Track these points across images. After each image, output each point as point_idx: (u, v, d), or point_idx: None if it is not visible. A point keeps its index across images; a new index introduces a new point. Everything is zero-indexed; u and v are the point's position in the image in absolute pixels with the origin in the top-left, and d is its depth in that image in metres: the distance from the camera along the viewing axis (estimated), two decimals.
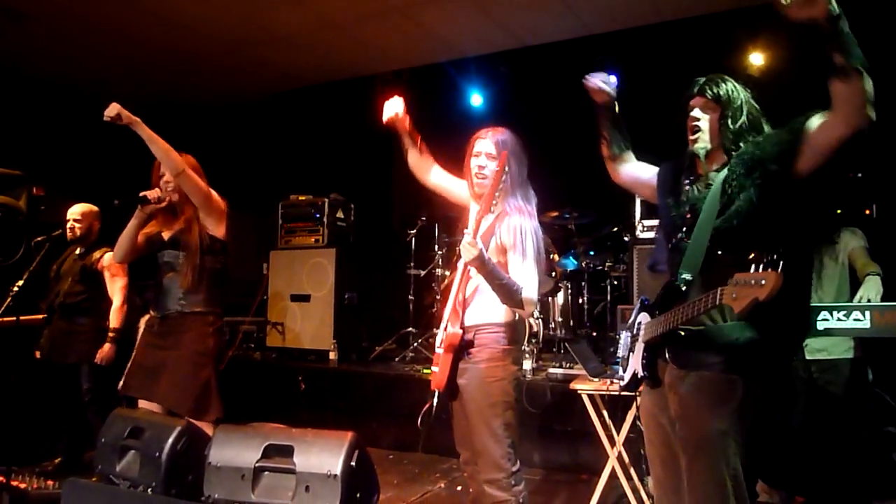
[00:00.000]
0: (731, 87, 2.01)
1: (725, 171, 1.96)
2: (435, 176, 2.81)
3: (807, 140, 1.81)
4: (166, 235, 3.13)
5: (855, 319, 2.49)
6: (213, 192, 3.11)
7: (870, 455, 3.22)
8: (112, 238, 4.31)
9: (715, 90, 2.01)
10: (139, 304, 5.00)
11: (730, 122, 1.98)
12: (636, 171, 2.33)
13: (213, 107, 7.64)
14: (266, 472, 2.30)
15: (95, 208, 4.29)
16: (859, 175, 4.04)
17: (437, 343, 2.50)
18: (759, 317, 1.81)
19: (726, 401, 1.84)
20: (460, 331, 2.39)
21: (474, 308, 2.45)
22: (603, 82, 2.22)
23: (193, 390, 2.98)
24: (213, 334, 3.10)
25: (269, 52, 6.30)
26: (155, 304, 3.14)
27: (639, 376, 2.11)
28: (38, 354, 4.25)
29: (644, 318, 2.16)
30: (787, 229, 1.89)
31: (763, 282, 1.57)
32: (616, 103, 2.28)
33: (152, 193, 3.03)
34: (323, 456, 2.24)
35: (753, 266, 1.64)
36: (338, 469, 2.20)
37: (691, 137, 2.06)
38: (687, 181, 2.09)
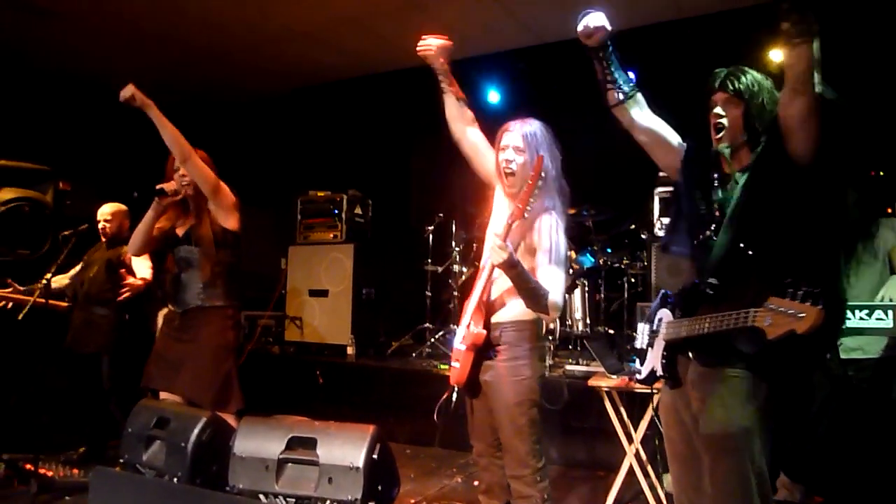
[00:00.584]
0: (753, 80, 1.95)
1: (749, 172, 1.94)
2: (472, 136, 2.65)
3: (780, 117, 1.83)
4: (180, 231, 3.17)
5: (877, 318, 2.48)
6: (223, 184, 3.13)
7: None
8: None
9: (736, 84, 1.95)
10: (160, 297, 5.09)
11: (755, 118, 1.93)
12: (655, 126, 2.17)
13: (232, 103, 7.71)
14: (290, 464, 2.35)
15: (124, 207, 4.39)
16: (881, 173, 4.00)
17: (458, 340, 2.49)
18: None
19: (752, 399, 1.83)
20: (484, 331, 2.39)
21: (498, 307, 2.44)
22: (595, 23, 2.06)
23: (215, 383, 3.02)
24: (233, 328, 3.15)
25: (287, 48, 6.34)
26: (173, 300, 3.18)
27: (657, 375, 2.11)
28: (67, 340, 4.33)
29: (665, 314, 2.13)
30: (810, 223, 1.86)
31: (802, 315, 1.57)
32: (611, 41, 2.11)
33: (169, 186, 3.08)
34: (346, 448, 2.28)
35: (790, 294, 1.62)
36: (360, 461, 2.24)
37: (715, 137, 2.00)
38: (715, 177, 2.04)
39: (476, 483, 4.00)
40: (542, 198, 2.40)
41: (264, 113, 7.70)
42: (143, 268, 4.21)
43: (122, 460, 2.77)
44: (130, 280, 4.16)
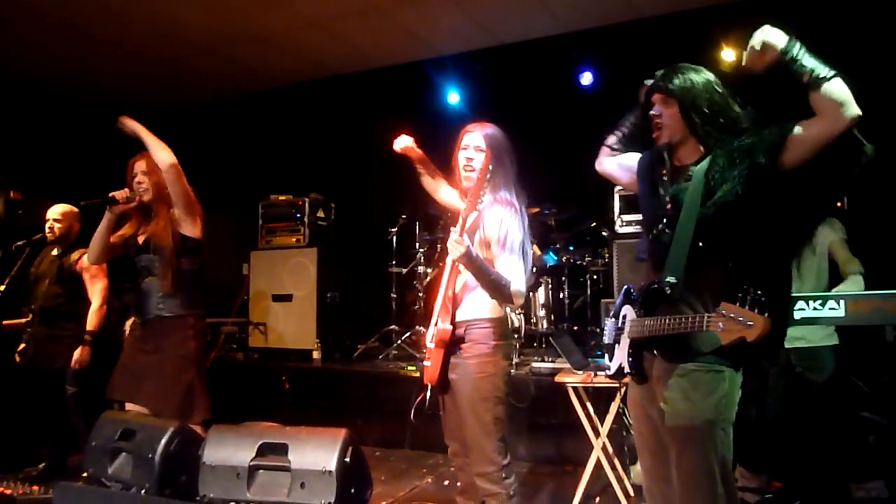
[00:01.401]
0: (686, 77, 2.01)
1: (706, 163, 1.98)
2: (444, 192, 2.87)
3: (795, 137, 1.85)
4: (141, 239, 3.12)
5: (830, 308, 2.57)
6: (191, 192, 3.10)
7: (847, 439, 3.33)
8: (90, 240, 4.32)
9: (668, 83, 2.02)
10: (117, 306, 4.98)
11: (692, 112, 1.99)
12: (621, 160, 2.34)
13: (189, 107, 7.58)
14: (261, 471, 2.34)
15: (76, 209, 4.24)
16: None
17: (429, 338, 2.53)
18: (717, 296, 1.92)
19: (713, 392, 1.89)
20: (450, 327, 2.42)
21: (464, 304, 2.48)
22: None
23: (176, 393, 2.98)
24: (195, 337, 3.10)
25: (245, 51, 6.28)
26: (136, 309, 3.14)
27: (625, 371, 2.15)
28: (17, 359, 4.19)
29: (629, 311, 2.17)
30: (768, 222, 1.95)
31: (751, 323, 1.64)
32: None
33: (121, 193, 3.03)
34: (318, 453, 2.28)
35: (740, 300, 1.68)
36: (333, 465, 2.24)
37: (654, 135, 2.09)
38: (664, 173, 2.09)
39: (447, 483, 4.04)
40: (495, 193, 2.47)
41: (223, 117, 7.60)
42: (96, 290, 4.07)
43: (86, 474, 2.71)
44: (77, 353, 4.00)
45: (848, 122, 1.76)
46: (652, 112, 2.07)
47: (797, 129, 1.85)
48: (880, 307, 2.51)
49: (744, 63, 1.84)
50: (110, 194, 3.01)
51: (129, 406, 3.07)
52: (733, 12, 5.19)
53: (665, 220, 2.03)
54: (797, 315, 2.67)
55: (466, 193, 2.54)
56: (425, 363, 2.49)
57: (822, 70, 1.76)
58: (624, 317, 2.19)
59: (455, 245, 2.26)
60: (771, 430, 3.35)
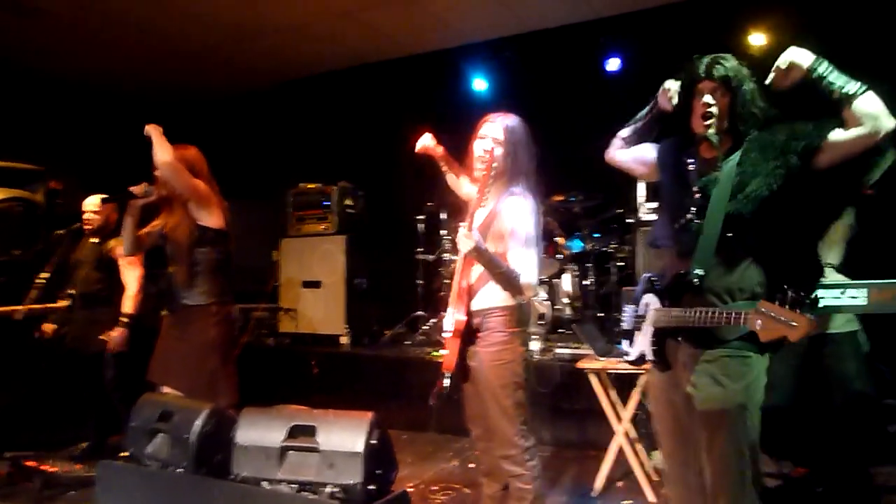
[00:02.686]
0: (737, 69, 2.02)
1: (737, 156, 2.01)
2: (466, 189, 2.91)
3: (831, 143, 1.89)
4: (165, 231, 3.22)
5: (851, 297, 2.58)
6: (200, 181, 3.16)
7: (868, 426, 3.32)
8: None
9: (724, 73, 2.00)
10: (154, 292, 5.13)
11: (741, 106, 2.00)
12: (635, 152, 2.38)
13: (220, 97, 7.73)
14: (291, 451, 2.43)
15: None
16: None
17: (445, 327, 2.58)
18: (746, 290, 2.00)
19: (743, 376, 1.93)
20: (465, 317, 2.47)
21: (479, 294, 2.52)
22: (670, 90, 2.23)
23: (200, 379, 3.10)
24: (217, 324, 3.18)
25: (275, 41, 6.36)
26: (165, 298, 3.28)
27: (647, 359, 2.18)
28: (41, 335, 4.31)
29: (651, 300, 2.19)
30: (797, 215, 1.98)
31: (794, 324, 1.65)
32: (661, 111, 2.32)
33: (138, 188, 3.12)
34: (345, 435, 2.37)
35: (780, 300, 1.69)
36: (360, 447, 2.33)
37: (704, 123, 2.04)
38: (691, 162, 2.11)
39: (472, 466, 4.12)
40: (509, 184, 2.50)
41: (253, 107, 7.72)
42: (131, 277, 4.17)
43: (126, 454, 2.84)
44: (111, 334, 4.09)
45: (883, 134, 1.80)
46: (704, 100, 2.03)
47: (833, 135, 1.88)
48: None
49: (769, 83, 1.89)
50: (128, 189, 3.12)
51: (164, 389, 3.20)
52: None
53: (693, 210, 2.04)
54: (820, 304, 2.67)
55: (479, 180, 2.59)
56: (443, 352, 2.55)
57: (852, 86, 1.80)
58: (646, 305, 2.21)
59: (464, 240, 2.31)
60: (793, 417, 3.35)
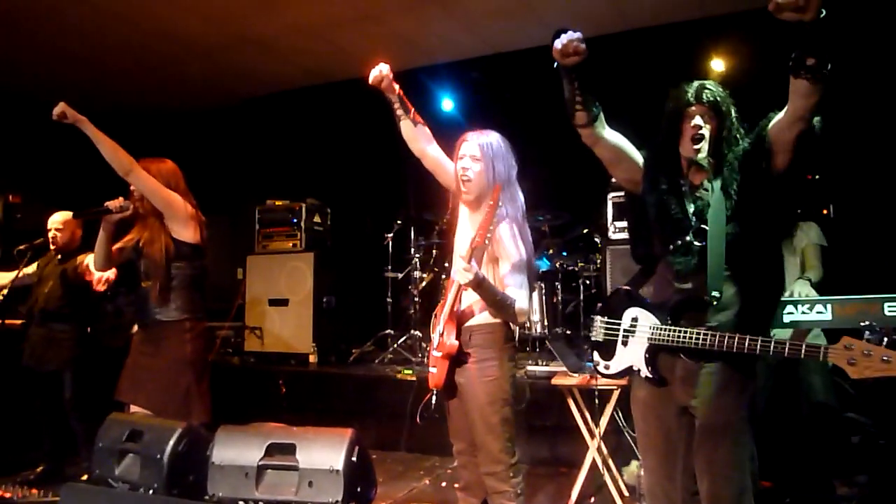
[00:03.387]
0: (724, 94, 2.07)
1: (721, 178, 2.06)
2: (432, 151, 2.74)
3: (773, 136, 1.97)
4: (139, 245, 3.16)
5: (818, 312, 2.68)
6: (176, 195, 3.12)
7: (831, 439, 3.42)
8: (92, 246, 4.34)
9: (713, 98, 2.04)
10: (111, 311, 5.01)
11: (727, 131, 2.05)
12: (621, 143, 2.22)
13: (187, 112, 7.64)
14: (269, 470, 2.39)
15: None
16: (817, 177, 4.27)
17: (434, 345, 2.56)
18: (761, 315, 2.10)
19: (745, 390, 1.99)
20: (457, 343, 2.47)
21: (469, 315, 2.53)
22: (576, 40, 1.97)
23: (175, 396, 3.04)
24: (192, 340, 3.13)
25: (242, 57, 6.34)
26: (137, 313, 3.21)
27: (644, 376, 2.13)
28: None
29: (641, 314, 2.17)
30: (775, 225, 2.05)
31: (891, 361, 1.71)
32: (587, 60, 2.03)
33: (114, 203, 3.06)
34: (325, 452, 2.34)
35: (873, 339, 1.79)
36: (340, 464, 2.31)
37: (695, 147, 2.06)
38: (683, 184, 2.13)
39: (444, 484, 4.10)
40: (503, 208, 2.51)
41: (221, 122, 7.65)
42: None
43: (91, 475, 2.75)
44: (100, 275, 4.03)
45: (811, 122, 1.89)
46: (695, 122, 2.05)
47: (776, 129, 1.97)
48: (864, 310, 2.61)
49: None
50: (105, 204, 3.05)
51: (133, 408, 3.12)
52: (722, 25, 5.32)
53: (692, 232, 2.07)
54: (786, 318, 2.77)
55: (466, 203, 2.60)
56: (431, 369, 2.54)
57: (830, 64, 1.77)
58: (634, 319, 2.19)
59: (463, 273, 2.27)
60: (760, 430, 3.44)
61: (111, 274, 3.96)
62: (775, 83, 1.99)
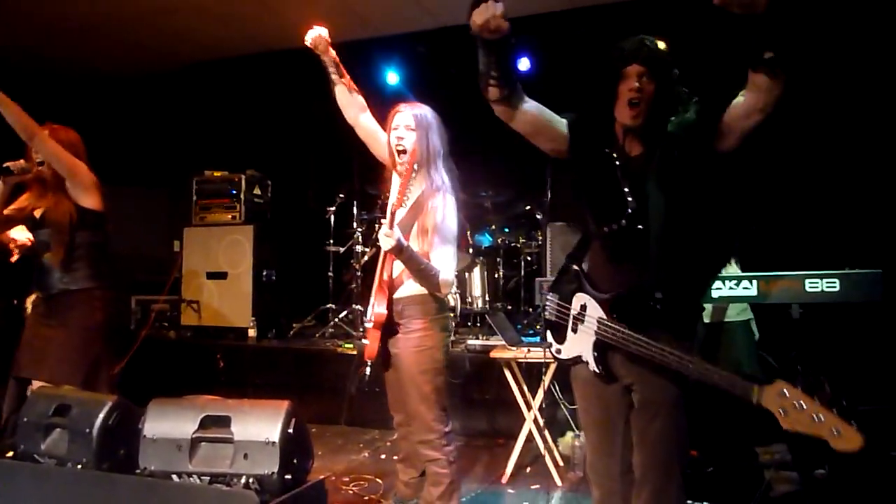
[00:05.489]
0: (665, 56, 1.87)
1: (659, 151, 1.90)
2: (364, 120, 2.74)
3: (727, 119, 1.83)
4: (38, 213, 3.07)
5: (744, 288, 2.81)
6: (79, 163, 3.04)
7: (754, 409, 3.59)
8: None
9: (654, 57, 1.85)
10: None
11: (668, 96, 1.88)
12: (543, 114, 2.04)
13: (121, 77, 7.31)
14: (203, 443, 2.35)
15: None
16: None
17: (367, 318, 2.60)
18: (695, 299, 2.09)
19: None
20: (386, 311, 2.49)
21: (399, 284, 2.55)
22: (498, 17, 1.79)
23: (82, 366, 2.96)
24: (102, 308, 3.05)
25: (181, 21, 6.09)
26: (38, 284, 3.10)
27: (591, 370, 2.04)
28: None
29: (589, 302, 2.04)
30: (720, 205, 2.00)
31: (840, 433, 1.53)
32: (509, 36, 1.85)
33: (16, 164, 2.99)
34: (260, 424, 2.31)
35: (819, 396, 1.63)
36: (276, 436, 2.28)
37: (631, 113, 1.87)
38: (616, 157, 1.97)
39: (383, 457, 4.13)
40: (432, 179, 2.53)
41: (156, 89, 7.35)
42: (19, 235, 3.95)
43: (16, 451, 2.66)
44: (15, 238, 3.87)
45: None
46: (632, 85, 1.85)
47: (732, 115, 1.84)
48: (788, 286, 2.75)
49: None
50: (5, 164, 2.97)
51: (35, 383, 2.99)
52: (669, 4, 5.40)
53: (628, 213, 1.95)
54: (714, 294, 2.89)
55: (399, 174, 2.59)
56: (364, 341, 2.57)
57: (789, 57, 1.66)
58: (582, 306, 2.06)
59: (385, 238, 2.34)
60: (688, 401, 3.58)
61: (27, 239, 3.82)
62: (724, 65, 1.94)
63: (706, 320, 3.58)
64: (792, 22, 1.62)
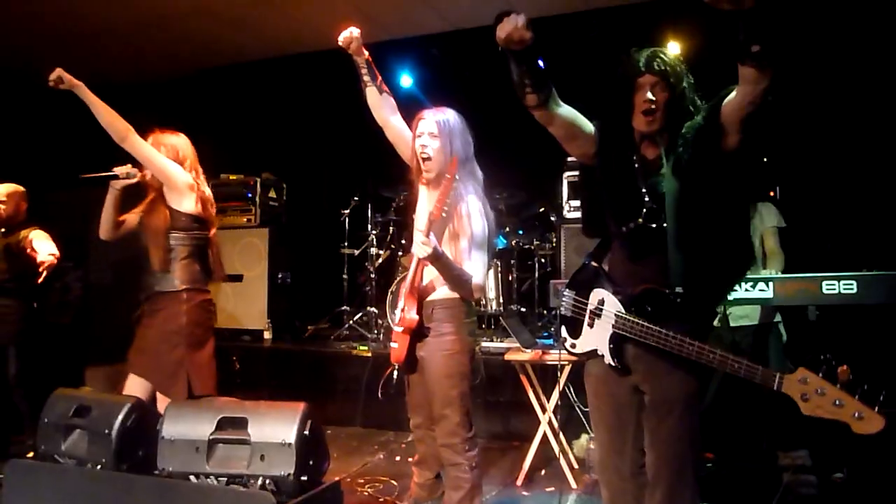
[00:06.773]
0: (676, 63, 1.96)
1: (675, 154, 1.96)
2: (395, 122, 2.73)
3: (725, 115, 1.88)
4: (136, 217, 3.14)
5: (760, 290, 2.79)
6: (175, 165, 3.06)
7: (776, 413, 3.56)
8: (37, 219, 4.22)
9: (665, 68, 1.94)
10: (58, 287, 4.88)
11: (682, 103, 1.96)
12: (577, 119, 2.11)
13: (140, 83, 7.37)
14: (220, 444, 2.38)
15: (21, 188, 4.17)
16: (765, 159, 4.40)
17: (396, 321, 2.58)
18: (714, 298, 2.09)
19: (694, 370, 1.97)
20: (417, 317, 2.48)
21: (430, 290, 2.55)
22: (520, 28, 1.86)
23: (164, 366, 2.98)
24: (187, 312, 3.04)
25: (198, 26, 6.14)
26: (143, 286, 3.15)
27: (607, 363, 2.06)
28: None
29: (607, 297, 2.08)
30: (733, 204, 2.00)
31: (861, 416, 1.60)
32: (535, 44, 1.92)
33: (122, 169, 3.03)
34: (277, 426, 2.34)
35: (822, 369, 1.68)
36: (292, 438, 2.31)
37: (647, 119, 1.97)
38: (635, 158, 2.05)
39: (398, 458, 4.14)
40: (460, 186, 2.51)
41: (174, 94, 7.42)
42: (45, 248, 4.00)
43: (37, 452, 2.70)
44: (42, 259, 3.95)
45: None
46: (646, 96, 1.95)
47: (726, 110, 1.88)
48: (804, 288, 2.73)
49: None
50: (112, 169, 3.02)
51: (133, 377, 3.04)
52: (682, 6, 5.37)
53: (644, 213, 2.00)
54: (730, 296, 2.86)
55: (424, 182, 2.60)
56: (392, 344, 2.55)
57: (776, 49, 1.69)
58: (600, 301, 2.10)
59: (422, 247, 2.30)
60: (709, 406, 3.56)
61: (53, 259, 3.91)
62: (732, 64, 1.97)
63: (755, 322, 3.57)
64: (778, 16, 1.67)
